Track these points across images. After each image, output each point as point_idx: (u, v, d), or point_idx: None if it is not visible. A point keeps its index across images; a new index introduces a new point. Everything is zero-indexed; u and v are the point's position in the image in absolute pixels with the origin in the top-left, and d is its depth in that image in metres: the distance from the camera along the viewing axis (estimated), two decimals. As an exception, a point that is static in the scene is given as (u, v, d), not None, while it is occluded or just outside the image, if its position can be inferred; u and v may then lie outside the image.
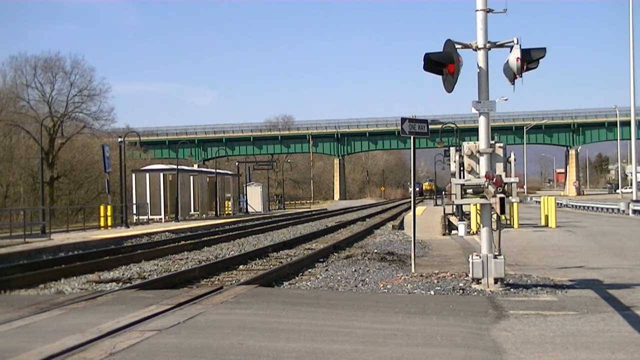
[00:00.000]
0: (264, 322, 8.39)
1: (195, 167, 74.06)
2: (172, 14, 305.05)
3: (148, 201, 46.15)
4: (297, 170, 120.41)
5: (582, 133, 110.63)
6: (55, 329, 8.05)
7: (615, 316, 8.99)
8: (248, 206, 63.64)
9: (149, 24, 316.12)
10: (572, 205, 57.78)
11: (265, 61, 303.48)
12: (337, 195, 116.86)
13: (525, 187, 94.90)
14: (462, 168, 11.92)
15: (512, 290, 11.26)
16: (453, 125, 47.81)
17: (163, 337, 7.51)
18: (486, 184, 11.05)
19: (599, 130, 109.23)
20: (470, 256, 11.46)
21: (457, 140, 36.08)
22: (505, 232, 19.22)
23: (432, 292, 11.46)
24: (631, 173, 67.94)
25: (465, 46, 11.36)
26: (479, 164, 11.38)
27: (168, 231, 31.70)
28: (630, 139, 59.44)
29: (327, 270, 15.91)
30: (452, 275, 13.05)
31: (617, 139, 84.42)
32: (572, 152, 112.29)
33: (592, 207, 51.60)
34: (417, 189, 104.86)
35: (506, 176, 11.31)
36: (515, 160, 11.75)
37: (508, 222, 27.54)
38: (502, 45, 11.30)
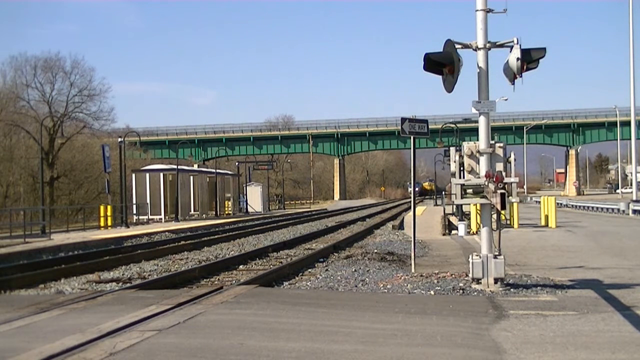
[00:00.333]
0: (264, 322, 8.39)
1: (195, 167, 74.06)
2: (172, 14, 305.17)
3: (148, 201, 46.15)
4: (297, 170, 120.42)
5: (582, 133, 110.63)
6: (55, 329, 8.05)
7: (616, 316, 9.00)
8: (248, 206, 63.64)
9: (149, 24, 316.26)
10: (572, 205, 57.79)
11: (265, 61, 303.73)
12: (337, 195, 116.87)
13: (525, 187, 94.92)
14: (462, 168, 11.92)
15: (512, 290, 11.26)
16: (453, 125, 47.82)
17: (163, 337, 7.51)
18: (486, 183, 11.05)
19: (599, 130, 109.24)
20: (470, 256, 11.46)
21: (457, 140, 36.09)
22: (505, 232, 19.22)
23: (432, 292, 11.46)
24: (631, 173, 67.92)
25: (465, 46, 11.36)
26: (479, 164, 11.39)
27: (168, 231, 31.70)
28: (630, 139, 59.43)
29: (327, 270, 15.91)
30: (452, 275, 13.06)
31: (617, 139, 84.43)
32: (572, 152, 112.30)
33: (592, 207, 51.60)
34: (417, 189, 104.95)
35: (506, 176, 11.31)
36: (515, 160, 11.75)
37: (508, 222, 27.54)
38: (502, 45, 11.31)
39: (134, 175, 47.27)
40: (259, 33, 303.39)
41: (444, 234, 27.38)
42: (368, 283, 13.10)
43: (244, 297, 10.48)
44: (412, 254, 14.98)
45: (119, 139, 41.38)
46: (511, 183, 11.41)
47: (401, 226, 34.39)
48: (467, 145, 11.62)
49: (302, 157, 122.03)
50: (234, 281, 14.63)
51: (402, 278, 13.11)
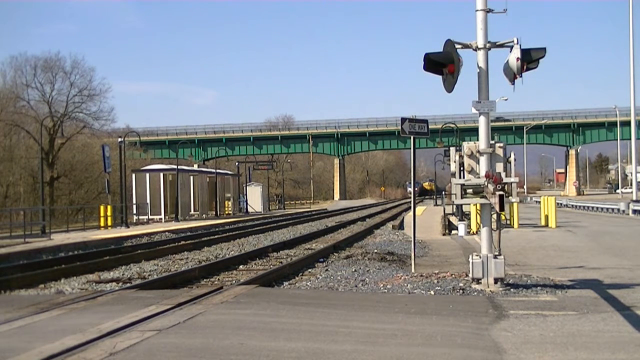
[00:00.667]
0: (264, 322, 8.39)
1: (195, 167, 74.00)
2: (172, 14, 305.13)
3: (148, 201, 46.14)
4: (297, 170, 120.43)
5: (582, 133, 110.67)
6: (56, 329, 8.05)
7: (615, 316, 9.00)
8: (248, 206, 63.64)
9: (149, 24, 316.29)
10: (572, 205, 57.79)
11: (266, 61, 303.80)
12: (337, 195, 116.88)
13: (525, 187, 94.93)
14: (462, 168, 11.92)
15: (512, 290, 11.26)
16: (453, 125, 47.82)
17: (163, 337, 7.51)
18: (486, 183, 11.06)
19: (599, 130, 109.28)
20: (470, 256, 11.47)
21: (457, 140, 36.09)
22: (505, 232, 19.23)
23: (432, 292, 11.46)
24: (631, 173, 67.89)
25: (465, 46, 11.37)
26: (479, 164, 11.39)
27: (168, 231, 31.70)
28: (630, 139, 59.40)
29: (327, 270, 15.91)
30: (452, 275, 13.06)
31: (617, 139, 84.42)
32: (572, 152, 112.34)
33: (592, 207, 51.60)
34: (416, 189, 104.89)
35: (506, 176, 11.31)
36: (515, 160, 11.76)
37: (508, 222, 27.55)
38: (502, 45, 11.31)
39: (134, 175, 47.26)
40: (259, 33, 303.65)
41: (444, 234, 27.38)
42: (368, 283, 13.10)
43: (244, 297, 10.48)
44: (412, 254, 14.98)
45: (119, 139, 41.37)
46: (511, 183, 11.41)
47: (401, 226, 34.39)
48: (467, 145, 11.62)
49: (302, 157, 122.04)
50: (234, 281, 14.62)
51: (402, 278, 13.11)
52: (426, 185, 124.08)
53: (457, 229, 27.42)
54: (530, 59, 11.15)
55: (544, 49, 11.27)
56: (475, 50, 11.30)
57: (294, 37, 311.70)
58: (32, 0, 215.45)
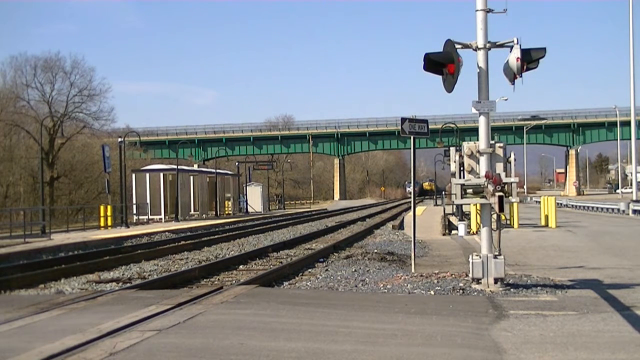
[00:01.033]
0: (264, 322, 8.39)
1: (195, 167, 73.99)
2: (172, 14, 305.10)
3: (148, 201, 46.14)
4: (297, 170, 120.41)
5: (582, 133, 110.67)
6: (56, 329, 8.05)
7: (615, 316, 9.00)
8: (248, 206, 63.63)
9: (148, 24, 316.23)
10: (572, 205, 57.79)
11: (265, 61, 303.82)
12: (337, 195, 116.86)
13: (525, 187, 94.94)
14: (462, 168, 11.92)
15: (512, 290, 11.26)
16: (453, 125, 47.82)
17: (163, 337, 7.51)
18: (486, 183, 11.05)
19: (599, 130, 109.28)
20: (470, 256, 11.46)
21: (457, 140, 36.09)
22: (505, 232, 19.22)
23: (432, 292, 11.46)
24: (631, 173, 67.88)
25: (465, 46, 11.36)
26: (479, 164, 11.39)
27: (168, 231, 31.70)
28: (630, 139, 59.40)
29: (327, 270, 15.91)
30: (452, 275, 13.06)
31: (617, 139, 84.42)
32: (572, 152, 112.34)
33: (592, 207, 51.60)
34: (416, 189, 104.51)
35: (506, 176, 11.31)
36: (515, 160, 11.75)
37: (508, 222, 27.54)
38: (502, 45, 11.31)
39: (134, 175, 47.26)
40: (259, 33, 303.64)
41: (444, 234, 27.38)
42: (368, 283, 13.10)
43: (244, 297, 10.48)
44: (412, 254, 14.98)
45: (119, 139, 41.38)
46: (511, 183, 11.41)
47: (401, 226, 34.39)
48: (467, 145, 11.62)
49: (302, 157, 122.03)
50: (234, 281, 14.63)
51: (402, 278, 13.11)
52: (426, 185, 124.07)
53: (457, 229, 27.42)
54: (530, 59, 11.15)
55: (544, 49, 11.27)
56: (475, 50, 11.30)
57: (294, 37, 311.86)
58: (32, 0, 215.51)
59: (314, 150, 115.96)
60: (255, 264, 18.46)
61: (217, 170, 58.14)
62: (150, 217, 45.48)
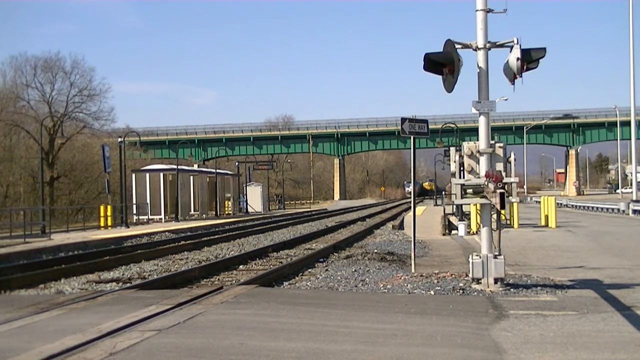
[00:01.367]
0: (264, 322, 8.39)
1: (195, 167, 74.03)
2: (172, 14, 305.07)
3: (148, 201, 46.15)
4: (297, 170, 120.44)
5: (582, 133, 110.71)
6: (56, 329, 8.05)
7: (616, 316, 9.00)
8: (248, 206, 63.64)
9: (148, 24, 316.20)
10: (572, 205, 57.79)
11: (265, 61, 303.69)
12: (337, 195, 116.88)
13: (525, 187, 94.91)
14: (462, 168, 11.92)
15: (512, 290, 11.26)
16: (453, 125, 47.82)
17: (163, 337, 7.51)
18: (486, 183, 11.05)
19: (599, 130, 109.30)
20: (470, 256, 11.46)
21: (457, 140, 36.10)
22: (505, 232, 19.22)
23: (432, 292, 11.46)
24: (631, 173, 67.89)
25: (465, 46, 11.36)
26: (479, 164, 11.39)
27: (168, 231, 31.70)
28: (630, 139, 59.41)
29: (327, 270, 15.91)
30: (452, 275, 13.05)
31: (617, 139, 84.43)
32: (572, 152, 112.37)
33: (592, 207, 51.60)
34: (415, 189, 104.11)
35: (506, 176, 11.31)
36: (515, 160, 11.75)
37: (508, 222, 27.54)
38: (502, 45, 11.31)
39: (134, 175, 47.26)
40: (259, 33, 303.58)
41: (444, 234, 27.37)
42: (368, 283, 13.10)
43: (244, 297, 10.48)
44: (412, 254, 14.98)
45: (119, 139, 41.38)
46: (511, 183, 11.41)
47: (401, 226, 34.39)
48: (467, 145, 11.62)
49: (302, 157, 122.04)
50: (234, 281, 14.63)
51: (402, 278, 13.11)
52: (426, 185, 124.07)
53: (457, 229, 27.42)
54: (530, 59, 11.15)
55: (544, 49, 11.27)
56: (475, 50, 11.30)
57: (294, 37, 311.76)
58: (32, 0, 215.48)
59: (314, 150, 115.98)
60: (255, 264, 18.46)
61: (217, 170, 58.15)
62: (150, 217, 45.48)
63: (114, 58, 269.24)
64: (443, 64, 11.21)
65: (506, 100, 58.22)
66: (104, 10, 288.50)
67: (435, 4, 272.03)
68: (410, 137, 14.20)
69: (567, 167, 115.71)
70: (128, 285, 13.94)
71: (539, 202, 40.05)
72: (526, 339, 7.62)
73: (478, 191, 11.38)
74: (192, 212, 50.10)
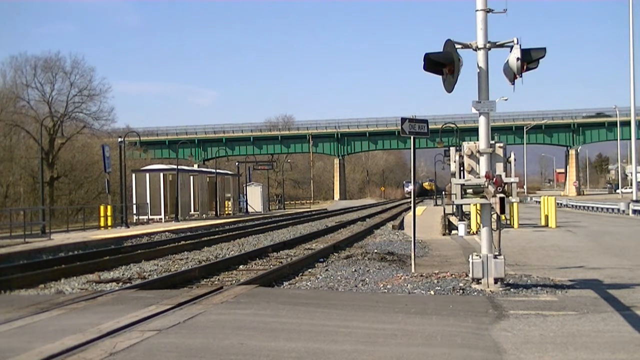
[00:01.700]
0: (264, 322, 8.39)
1: (195, 167, 74.03)
2: (172, 14, 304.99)
3: (148, 201, 46.14)
4: (297, 170, 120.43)
5: (582, 133, 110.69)
6: (56, 329, 8.05)
7: (615, 316, 9.00)
8: (248, 206, 63.64)
9: (148, 24, 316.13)
10: (572, 205, 57.79)
11: (265, 61, 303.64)
12: (337, 195, 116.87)
13: (525, 187, 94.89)
14: (462, 168, 11.92)
15: (512, 290, 11.26)
16: (453, 125, 47.82)
17: (163, 337, 7.51)
18: (486, 184, 11.05)
19: (599, 130, 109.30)
20: (470, 256, 11.46)
21: (457, 140, 36.10)
22: (505, 232, 19.22)
23: (432, 292, 11.46)
24: (631, 173, 67.88)
25: (465, 46, 11.36)
26: (479, 164, 11.39)
27: (168, 231, 31.70)
28: (630, 139, 59.41)
29: (327, 270, 15.91)
30: (452, 275, 13.05)
31: (617, 139, 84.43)
32: (572, 152, 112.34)
33: (592, 207, 51.60)
34: (411, 189, 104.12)
35: (506, 176, 11.31)
36: (515, 160, 11.75)
37: (508, 222, 27.55)
38: (502, 45, 11.31)
39: (134, 175, 47.25)
40: (259, 33, 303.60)
41: (444, 234, 27.37)
42: (368, 283, 13.10)
43: (244, 297, 10.48)
44: (412, 254, 14.98)
45: (119, 139, 41.38)
46: (511, 183, 11.41)
47: (401, 226, 34.39)
48: (467, 145, 11.62)
49: (302, 157, 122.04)
50: (234, 281, 14.63)
51: (402, 278, 13.11)
52: (426, 185, 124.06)
53: (457, 229, 27.42)
54: (530, 59, 11.15)
55: (544, 49, 11.27)
56: (475, 50, 11.30)
57: (294, 37, 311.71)
58: (32, 0, 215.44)
59: (314, 150, 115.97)
60: (255, 264, 18.46)
61: (217, 170, 58.15)
62: (150, 217, 45.48)
63: (114, 58, 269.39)
64: (443, 64, 11.21)
65: (506, 100, 58.26)
66: (103, 10, 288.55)
67: (435, 4, 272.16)
68: (410, 137, 14.20)
69: (567, 167, 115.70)
70: (128, 285, 13.94)
71: (539, 202, 40.05)
72: (526, 339, 7.62)
73: (478, 191, 11.38)
74: (192, 212, 50.10)
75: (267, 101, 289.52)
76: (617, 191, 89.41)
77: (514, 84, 11.16)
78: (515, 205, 27.41)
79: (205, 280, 15.27)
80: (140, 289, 12.40)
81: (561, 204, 56.87)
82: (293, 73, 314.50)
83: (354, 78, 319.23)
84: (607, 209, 47.73)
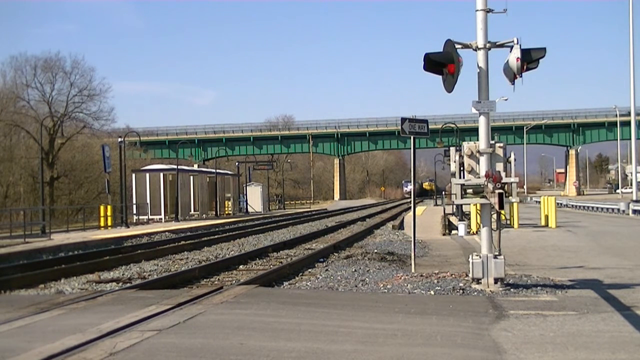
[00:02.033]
0: (264, 322, 8.40)
1: (195, 167, 74.05)
2: (172, 14, 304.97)
3: (148, 201, 46.15)
4: (297, 170, 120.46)
5: (582, 133, 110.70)
6: (56, 329, 8.05)
7: (615, 316, 9.00)
8: (248, 206, 63.65)
9: (148, 24, 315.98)
10: (572, 205, 57.80)
11: (265, 61, 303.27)
12: (337, 195, 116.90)
13: (525, 187, 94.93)
14: (462, 168, 11.92)
15: (512, 290, 11.26)
16: (453, 125, 47.83)
17: (163, 337, 7.51)
18: (486, 183, 11.06)
19: (599, 130, 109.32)
20: (470, 256, 11.46)
21: (457, 140, 36.10)
22: (505, 232, 19.23)
23: (432, 292, 11.46)
24: (631, 173, 67.91)
25: (465, 46, 11.37)
26: (479, 164, 11.39)
27: (168, 231, 31.70)
28: (630, 139, 59.43)
29: (327, 270, 15.91)
30: (452, 275, 13.05)
31: (617, 139, 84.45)
32: (572, 152, 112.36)
33: (592, 207, 51.61)
34: (410, 189, 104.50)
35: (506, 176, 11.31)
36: (515, 160, 11.76)
37: (508, 222, 27.55)
38: (502, 45, 11.31)
39: (134, 175, 47.27)
40: (259, 33, 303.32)
41: (444, 234, 27.38)
42: (368, 283, 13.11)
43: (244, 297, 10.48)
44: (412, 254, 14.99)
45: (119, 139, 41.39)
46: (511, 183, 11.41)
47: (401, 226, 34.39)
48: (467, 145, 11.63)
49: (302, 157, 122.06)
50: (234, 281, 14.63)
51: (402, 278, 13.11)
52: (426, 185, 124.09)
53: (457, 229, 27.43)
54: (530, 59, 11.15)
55: (544, 49, 11.27)
56: (475, 50, 11.30)
57: (294, 37, 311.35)
58: (32, 0, 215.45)
59: (314, 150, 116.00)
60: (255, 264, 18.47)
61: (217, 170, 58.16)
62: (150, 217, 45.49)
63: (114, 58, 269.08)
64: (443, 64, 11.21)
65: (506, 100, 58.25)
66: (103, 10, 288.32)
67: (435, 4, 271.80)
68: (410, 137, 14.20)
69: (567, 167, 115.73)
70: (128, 285, 13.94)
71: (539, 202, 40.06)
72: (526, 339, 7.63)
73: (478, 191, 11.38)
74: (192, 212, 50.11)
75: (267, 101, 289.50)
76: (617, 191, 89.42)
77: (514, 84, 11.16)
78: (515, 205, 27.42)
79: (205, 280, 15.27)
80: (140, 289, 12.40)
81: (561, 204, 56.89)
82: (293, 73, 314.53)
83: (354, 78, 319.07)
84: (607, 209, 47.75)
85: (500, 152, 11.41)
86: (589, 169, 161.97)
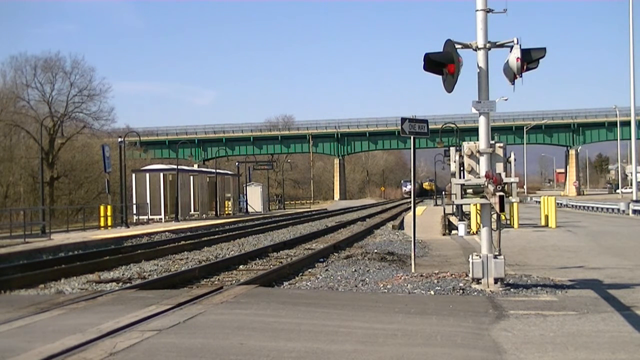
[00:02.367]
0: (264, 322, 8.40)
1: (195, 167, 74.05)
2: (171, 14, 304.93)
3: (148, 201, 46.16)
4: (297, 170, 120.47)
5: (582, 133, 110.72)
6: (56, 329, 8.05)
7: (615, 316, 9.00)
8: (248, 206, 63.65)
9: (148, 24, 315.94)
10: (572, 205, 57.80)
11: (266, 61, 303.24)
12: (337, 195, 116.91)
13: (525, 187, 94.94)
14: (462, 168, 11.92)
15: (512, 290, 11.26)
16: (453, 125, 47.83)
17: (163, 337, 7.51)
18: (486, 183, 11.05)
19: (599, 130, 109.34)
20: (470, 256, 11.47)
21: (457, 140, 36.11)
22: (505, 232, 19.23)
23: (432, 292, 11.46)
24: (631, 173, 67.91)
25: (465, 46, 11.37)
26: (479, 164, 11.39)
27: (168, 231, 31.70)
28: (630, 139, 59.43)
29: (327, 270, 15.91)
30: (452, 275, 13.06)
31: (617, 139, 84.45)
32: (572, 152, 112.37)
33: (592, 207, 51.62)
34: (409, 189, 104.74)
35: (506, 176, 11.31)
36: (515, 160, 11.76)
37: (508, 222, 27.55)
38: (502, 45, 11.31)
39: (134, 175, 47.27)
40: (259, 33, 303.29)
41: (444, 234, 27.38)
42: (368, 283, 13.10)
43: (244, 297, 10.48)
44: (412, 254, 14.99)
45: (119, 139, 41.38)
46: (511, 183, 11.41)
47: (401, 226, 34.39)
48: (467, 145, 11.63)
49: (302, 157, 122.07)
50: (234, 281, 14.63)
51: (402, 278, 13.11)
52: (426, 185, 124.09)
53: (457, 229, 27.43)
54: (530, 59, 11.15)
55: (544, 49, 11.27)
56: (475, 50, 11.30)
57: (294, 37, 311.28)
58: (32, 0, 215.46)
59: (314, 150, 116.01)
60: (255, 264, 18.47)
61: (217, 170, 58.15)
62: (150, 217, 45.49)
63: (114, 58, 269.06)
64: (443, 64, 11.21)
65: (506, 100, 58.24)
66: (103, 10, 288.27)
67: (435, 4, 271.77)
68: (410, 137, 14.20)
69: (567, 167, 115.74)
70: (128, 285, 13.94)
71: (539, 202, 40.06)
72: (526, 339, 7.63)
73: (478, 191, 11.38)
74: (192, 212, 50.11)
75: (267, 101, 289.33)
76: (617, 191, 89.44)
77: (514, 84, 11.16)
78: (515, 205, 27.42)
79: (205, 280, 15.27)
80: (140, 289, 12.40)
81: (561, 204, 56.89)
82: (293, 73, 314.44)
83: (354, 78, 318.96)
84: (607, 209, 47.75)
85: (500, 152, 11.41)
86: (589, 169, 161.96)
